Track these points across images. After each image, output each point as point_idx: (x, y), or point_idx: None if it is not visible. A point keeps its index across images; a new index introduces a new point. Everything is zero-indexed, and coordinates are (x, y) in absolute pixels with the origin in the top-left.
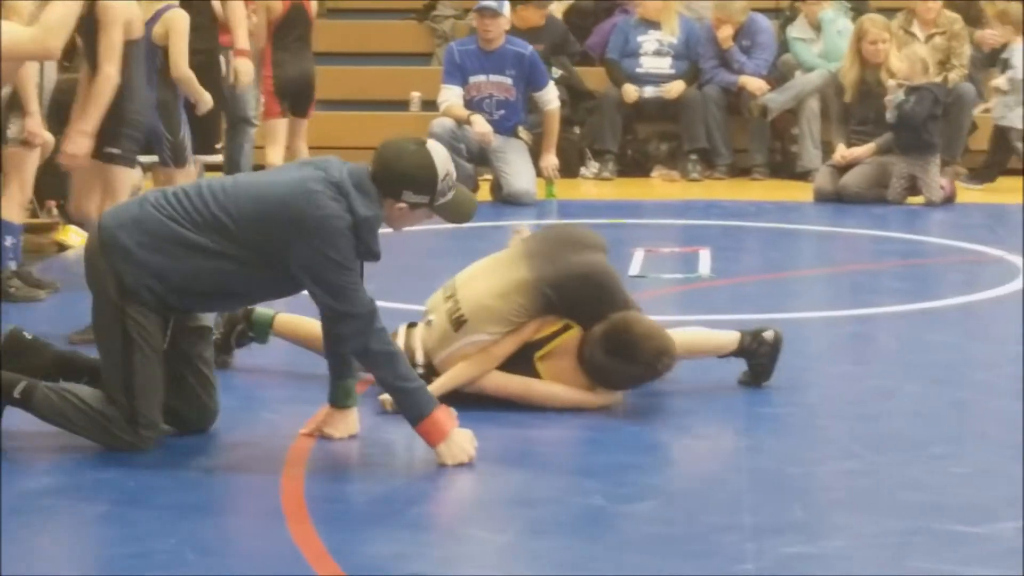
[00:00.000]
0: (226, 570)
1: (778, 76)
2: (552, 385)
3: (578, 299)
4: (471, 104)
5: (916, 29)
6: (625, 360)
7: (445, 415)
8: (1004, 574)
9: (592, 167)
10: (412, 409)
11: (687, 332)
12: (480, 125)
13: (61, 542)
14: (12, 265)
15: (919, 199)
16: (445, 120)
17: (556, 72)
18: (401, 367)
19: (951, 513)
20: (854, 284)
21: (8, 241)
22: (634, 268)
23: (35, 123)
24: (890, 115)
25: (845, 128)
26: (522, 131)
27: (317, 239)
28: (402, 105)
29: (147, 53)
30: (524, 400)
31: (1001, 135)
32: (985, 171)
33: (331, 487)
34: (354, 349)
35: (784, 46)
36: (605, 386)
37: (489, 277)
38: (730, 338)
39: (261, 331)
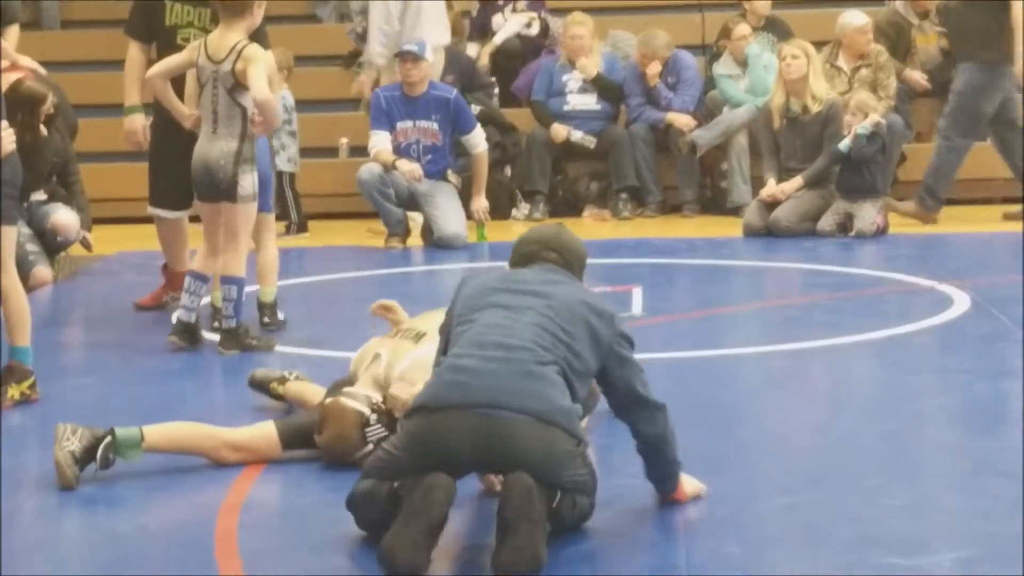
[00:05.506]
0: None
1: (705, 112)
2: None
3: None
4: (399, 150)
5: (842, 62)
6: None
7: None
8: None
9: (523, 208)
10: None
11: None
12: (405, 164)
13: None
14: (232, 322)
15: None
16: (373, 166)
17: (475, 108)
18: None
19: (887, 546)
20: (786, 318)
21: (244, 297)
22: None
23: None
24: (845, 144)
25: (775, 161)
26: (451, 175)
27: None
28: (331, 152)
29: None
30: None
31: None
32: None
33: (264, 539)
34: None
35: (710, 83)
36: None
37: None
38: None
39: (129, 450)
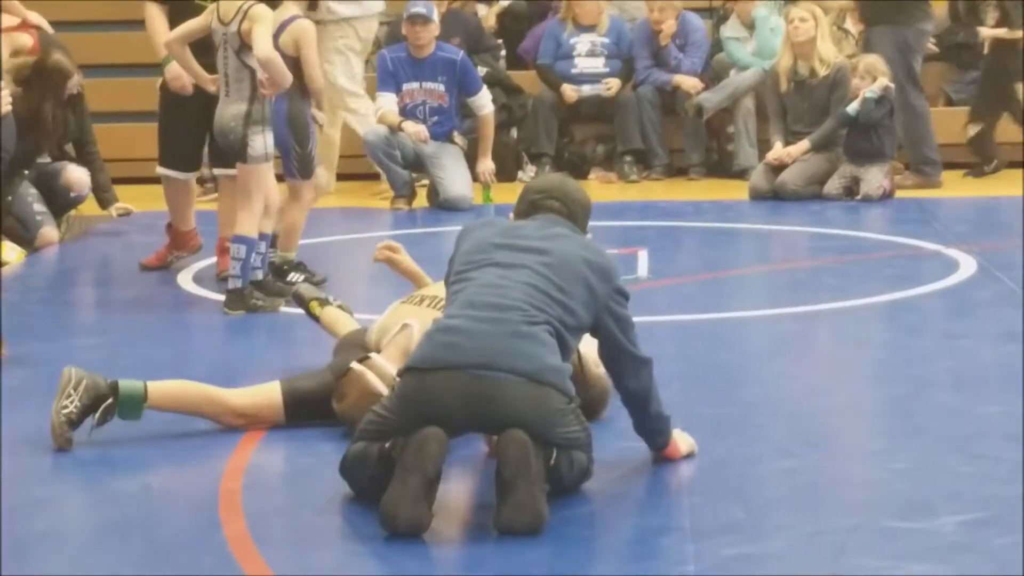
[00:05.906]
0: None
1: (712, 75)
2: None
3: None
4: (405, 111)
5: (849, 25)
6: None
7: None
8: (943, 571)
9: (529, 171)
10: None
11: None
12: (412, 126)
13: None
14: (238, 282)
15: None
16: (379, 128)
17: (481, 70)
18: None
19: (890, 509)
20: (792, 282)
21: (253, 257)
22: None
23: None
24: (853, 108)
25: (782, 124)
26: (457, 136)
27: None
28: None
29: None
30: None
31: None
32: None
33: (268, 500)
34: None
35: (717, 45)
36: None
37: None
38: None
39: (130, 412)
